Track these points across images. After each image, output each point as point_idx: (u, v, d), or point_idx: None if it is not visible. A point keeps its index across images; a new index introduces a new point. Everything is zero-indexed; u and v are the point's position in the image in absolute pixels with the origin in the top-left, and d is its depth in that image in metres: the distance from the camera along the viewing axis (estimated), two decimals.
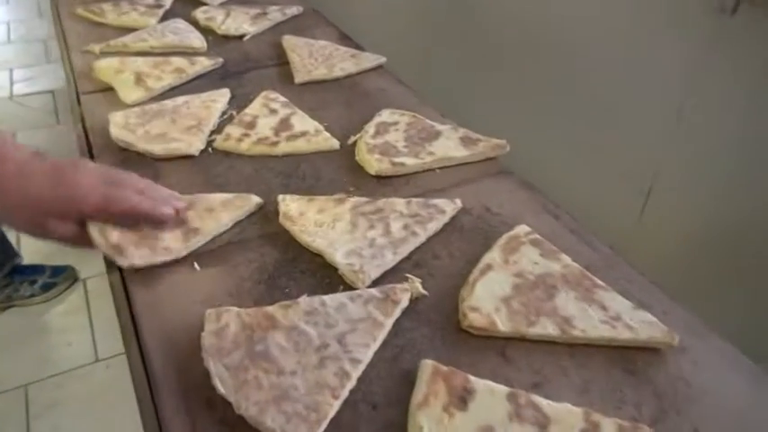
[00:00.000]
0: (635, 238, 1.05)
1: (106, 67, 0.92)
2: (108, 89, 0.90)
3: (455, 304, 0.56)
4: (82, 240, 0.58)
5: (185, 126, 0.79)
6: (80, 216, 0.58)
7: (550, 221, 0.67)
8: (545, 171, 0.83)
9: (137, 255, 0.58)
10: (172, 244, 0.60)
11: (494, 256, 0.60)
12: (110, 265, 0.60)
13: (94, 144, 0.78)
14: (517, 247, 0.61)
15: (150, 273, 0.58)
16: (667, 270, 0.70)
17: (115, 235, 0.59)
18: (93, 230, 0.59)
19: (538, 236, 0.63)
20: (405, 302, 0.55)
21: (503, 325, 0.53)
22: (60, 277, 1.68)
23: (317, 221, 0.64)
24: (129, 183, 0.60)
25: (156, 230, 0.60)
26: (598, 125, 1.12)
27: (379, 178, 0.73)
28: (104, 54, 0.99)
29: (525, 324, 0.53)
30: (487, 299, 0.55)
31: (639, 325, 0.53)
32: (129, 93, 0.87)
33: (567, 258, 0.60)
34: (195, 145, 0.76)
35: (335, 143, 0.79)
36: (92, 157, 0.76)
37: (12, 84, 2.78)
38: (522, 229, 0.64)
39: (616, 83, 1.06)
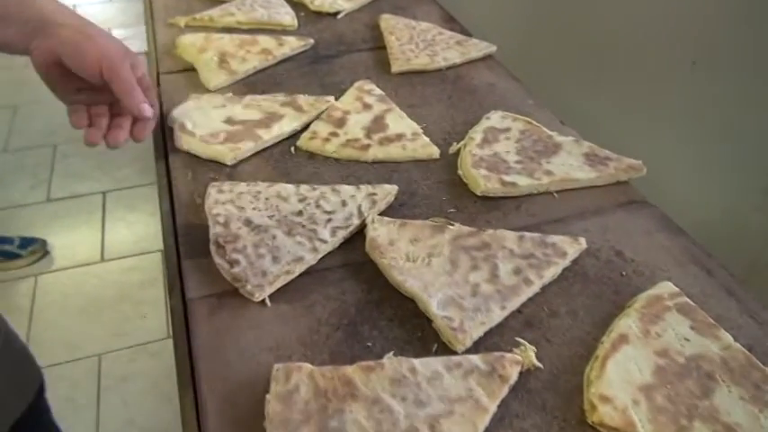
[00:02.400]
0: None
1: (189, 45, 0.85)
2: (190, 69, 0.83)
3: (578, 384, 0.45)
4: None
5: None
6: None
7: (702, 277, 0.53)
8: (663, 186, 0.68)
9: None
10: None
11: (630, 323, 0.48)
12: (171, 289, 0.53)
13: (168, 133, 0.71)
14: (661, 313, 0.48)
15: (217, 304, 0.50)
16: None
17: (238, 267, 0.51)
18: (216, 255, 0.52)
19: (687, 300, 0.50)
20: (514, 378, 0.44)
21: (643, 428, 0.41)
22: (27, 250, 1.66)
23: (409, 254, 0.53)
24: None
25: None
26: (726, 131, 0.94)
27: (486, 199, 0.62)
28: (189, 28, 0.92)
29: (674, 429, 0.41)
30: (622, 386, 0.43)
31: None
32: (212, 76, 0.79)
33: (727, 337, 0.47)
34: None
35: (435, 151, 0.68)
36: (165, 151, 0.69)
37: None
38: (666, 287, 0.51)
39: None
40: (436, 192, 0.63)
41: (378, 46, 0.90)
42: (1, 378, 0.67)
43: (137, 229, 1.83)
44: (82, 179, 2.01)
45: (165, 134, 0.71)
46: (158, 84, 0.81)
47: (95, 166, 2.08)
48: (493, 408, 0.42)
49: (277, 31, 0.92)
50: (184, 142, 0.69)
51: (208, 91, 0.78)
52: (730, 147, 0.88)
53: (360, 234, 0.57)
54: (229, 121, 0.72)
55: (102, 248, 1.76)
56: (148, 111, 0.57)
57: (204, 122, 0.71)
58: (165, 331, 1.52)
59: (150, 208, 1.92)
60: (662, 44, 1.01)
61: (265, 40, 0.87)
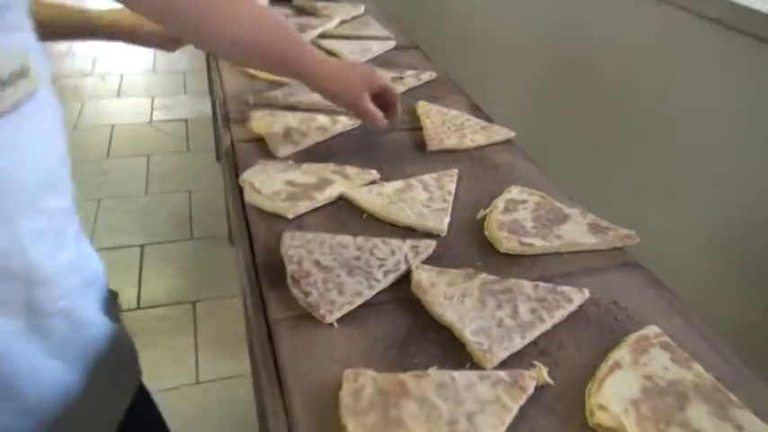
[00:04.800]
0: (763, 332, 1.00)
1: (260, 119, 1.02)
2: (260, 139, 0.99)
3: (580, 397, 0.57)
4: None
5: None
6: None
7: (680, 325, 0.66)
8: (661, 257, 0.82)
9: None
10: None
11: (623, 354, 0.60)
12: (256, 312, 0.66)
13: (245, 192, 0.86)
14: (647, 348, 0.61)
15: (295, 324, 0.63)
16: None
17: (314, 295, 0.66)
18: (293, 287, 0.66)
19: (668, 339, 0.63)
20: (531, 390, 0.57)
21: (632, 430, 0.53)
22: None
23: (446, 294, 0.67)
24: None
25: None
26: (721, 207, 1.09)
27: (507, 256, 0.76)
28: (257, 105, 1.09)
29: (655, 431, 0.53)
30: (616, 399, 0.55)
31: None
32: (279, 147, 0.95)
33: (699, 368, 0.59)
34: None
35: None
36: (242, 203, 0.84)
37: (152, 110, 3.07)
38: (651, 329, 0.64)
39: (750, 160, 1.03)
40: (467, 248, 0.77)
41: (415, 127, 1.07)
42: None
43: (171, 281, 1.97)
44: (122, 233, 2.17)
45: (240, 190, 0.87)
46: (233, 151, 0.97)
47: (134, 221, 2.24)
48: (515, 409, 0.54)
49: (330, 110, 1.09)
50: (253, 198, 0.84)
51: (274, 158, 0.94)
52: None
53: (406, 277, 0.70)
54: (290, 183, 0.87)
55: (139, 297, 1.89)
56: (383, 124, 0.91)
57: (269, 183, 0.86)
58: (194, 376, 1.63)
59: (183, 262, 2.07)
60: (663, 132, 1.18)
61: (322, 119, 1.04)
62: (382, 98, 0.92)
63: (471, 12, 1.92)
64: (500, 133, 1.05)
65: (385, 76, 0.98)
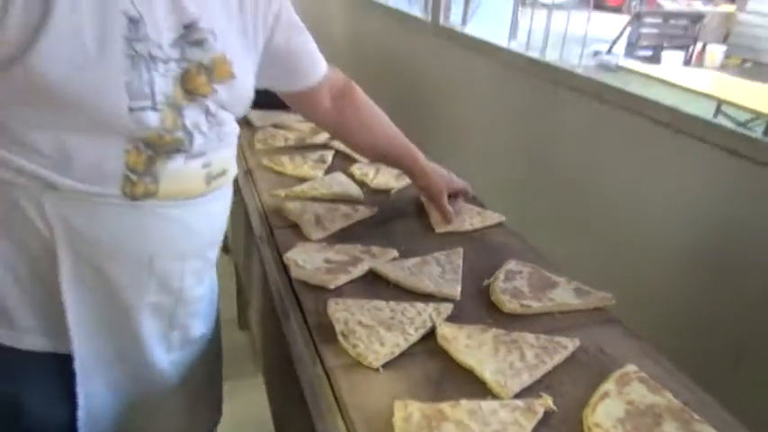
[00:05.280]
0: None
1: (293, 209, 1.21)
2: (294, 226, 1.17)
3: (579, 419, 0.73)
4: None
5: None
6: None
7: (652, 366, 0.83)
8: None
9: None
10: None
11: (609, 386, 0.77)
12: (314, 362, 0.82)
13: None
14: (628, 381, 0.78)
15: (348, 371, 0.79)
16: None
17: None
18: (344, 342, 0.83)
19: (645, 374, 0.80)
20: (541, 414, 0.72)
21: None
22: None
23: (467, 344, 0.84)
24: None
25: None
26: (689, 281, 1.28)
27: (511, 315, 0.93)
28: (288, 197, 1.28)
29: None
30: (607, 418, 0.71)
31: None
32: (312, 231, 1.14)
33: (669, 395, 0.76)
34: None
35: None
36: (289, 277, 1.00)
37: None
38: (631, 367, 0.81)
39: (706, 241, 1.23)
40: (477, 309, 0.95)
41: (422, 213, 1.27)
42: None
43: None
44: None
45: (285, 267, 1.04)
46: (272, 235, 1.15)
47: None
48: (529, 428, 0.70)
49: (349, 200, 1.29)
50: (298, 274, 1.01)
51: (309, 240, 1.12)
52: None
53: (432, 332, 0.87)
54: (327, 260, 1.04)
55: None
56: (452, 221, 1.19)
57: (310, 261, 1.04)
58: None
59: None
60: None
61: (344, 208, 1.23)
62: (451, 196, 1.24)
63: (460, 117, 2.19)
64: (493, 218, 1.25)
65: (461, 182, 1.27)
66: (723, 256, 1.21)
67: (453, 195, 1.24)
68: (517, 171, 1.86)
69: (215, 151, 0.82)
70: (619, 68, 5.32)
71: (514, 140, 1.89)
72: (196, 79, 0.75)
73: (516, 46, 2.11)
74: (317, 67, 1.06)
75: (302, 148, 1.57)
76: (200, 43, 0.75)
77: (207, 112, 0.78)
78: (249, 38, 0.88)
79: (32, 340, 0.79)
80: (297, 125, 1.70)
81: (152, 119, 0.71)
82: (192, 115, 0.76)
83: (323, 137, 1.65)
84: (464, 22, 2.58)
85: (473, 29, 2.22)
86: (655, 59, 7.00)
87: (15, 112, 0.67)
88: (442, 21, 2.28)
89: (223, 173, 0.85)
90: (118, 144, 0.71)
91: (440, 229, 1.20)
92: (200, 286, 0.91)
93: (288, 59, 0.99)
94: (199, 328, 0.97)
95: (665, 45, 6.87)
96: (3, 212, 0.72)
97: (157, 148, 0.74)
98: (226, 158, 0.86)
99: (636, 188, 1.41)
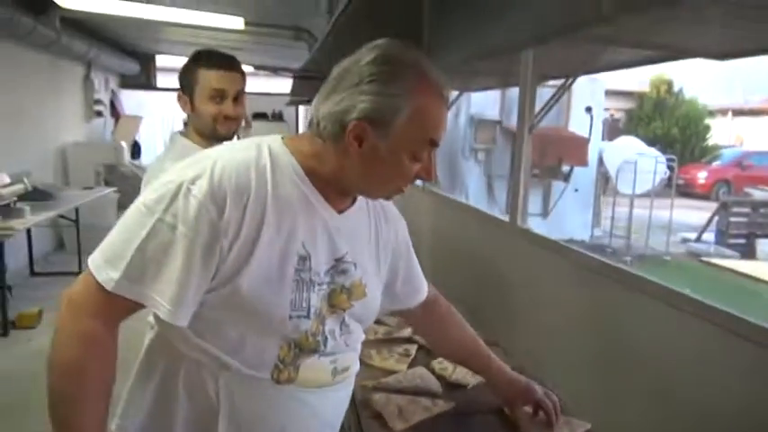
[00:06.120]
0: None
1: (378, 400, 1.35)
2: (378, 416, 1.31)
3: None
4: None
5: None
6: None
7: None
8: None
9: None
10: None
11: None
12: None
13: None
14: None
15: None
16: None
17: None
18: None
19: None
20: None
21: None
22: None
23: None
24: None
25: None
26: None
27: None
28: (375, 389, 1.43)
29: None
30: None
31: None
32: (396, 422, 1.27)
33: None
34: None
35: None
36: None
37: None
38: None
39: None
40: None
41: (500, 410, 1.36)
42: None
43: None
44: None
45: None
46: (359, 424, 1.28)
47: None
48: None
49: (429, 394, 1.42)
50: None
51: (391, 429, 1.25)
52: None
53: None
54: None
55: None
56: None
57: None
58: None
59: None
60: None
61: (425, 401, 1.36)
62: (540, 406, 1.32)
63: (541, 317, 2.31)
64: (580, 425, 1.32)
65: (540, 392, 1.32)
66: None
67: (537, 406, 1.32)
68: (599, 378, 1.91)
69: (342, 353, 1.02)
70: (707, 264, 5.28)
71: (593, 342, 1.96)
72: (339, 297, 1.00)
73: (599, 233, 2.26)
74: (422, 289, 1.26)
75: (389, 341, 1.74)
76: (345, 271, 1.00)
77: (342, 322, 1.01)
78: (380, 263, 1.11)
79: None
80: (385, 318, 1.90)
81: (304, 325, 0.95)
82: (331, 324, 0.99)
83: (408, 330, 1.82)
84: (544, 215, 2.81)
85: (553, 220, 2.41)
86: (749, 247, 6.87)
87: (220, 314, 0.93)
88: (519, 222, 2.50)
89: (346, 369, 1.05)
90: (276, 341, 0.95)
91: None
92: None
93: (401, 281, 1.20)
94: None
95: (758, 233, 6.78)
96: (189, 379, 0.96)
97: (302, 346, 0.96)
98: (350, 358, 1.06)
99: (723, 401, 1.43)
